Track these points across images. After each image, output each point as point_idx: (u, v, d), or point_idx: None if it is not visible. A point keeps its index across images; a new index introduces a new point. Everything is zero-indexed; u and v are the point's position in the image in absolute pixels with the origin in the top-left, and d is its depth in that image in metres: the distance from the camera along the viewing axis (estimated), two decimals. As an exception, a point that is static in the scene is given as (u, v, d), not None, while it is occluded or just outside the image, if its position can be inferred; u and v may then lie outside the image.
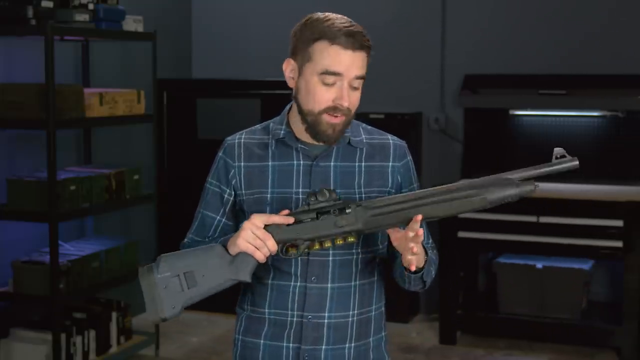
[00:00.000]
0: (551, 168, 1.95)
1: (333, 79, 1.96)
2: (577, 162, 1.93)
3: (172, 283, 1.93)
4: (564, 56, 5.42)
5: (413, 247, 1.90)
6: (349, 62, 1.95)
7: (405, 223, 1.91)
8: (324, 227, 1.92)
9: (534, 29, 5.51)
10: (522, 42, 5.52)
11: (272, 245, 1.92)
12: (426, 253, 2.00)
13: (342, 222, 1.92)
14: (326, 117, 1.98)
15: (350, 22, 1.99)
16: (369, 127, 2.15)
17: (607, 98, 5.18)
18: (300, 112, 2.02)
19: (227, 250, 1.95)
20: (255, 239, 1.91)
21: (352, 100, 1.99)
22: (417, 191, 1.96)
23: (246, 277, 1.94)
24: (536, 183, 1.94)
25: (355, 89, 2.00)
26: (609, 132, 5.28)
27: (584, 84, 5.28)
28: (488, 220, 5.01)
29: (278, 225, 1.92)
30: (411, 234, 1.89)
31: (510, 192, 1.93)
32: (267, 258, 1.95)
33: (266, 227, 1.92)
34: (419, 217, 1.89)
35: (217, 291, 1.96)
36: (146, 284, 1.94)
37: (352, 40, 1.95)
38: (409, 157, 2.13)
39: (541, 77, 5.39)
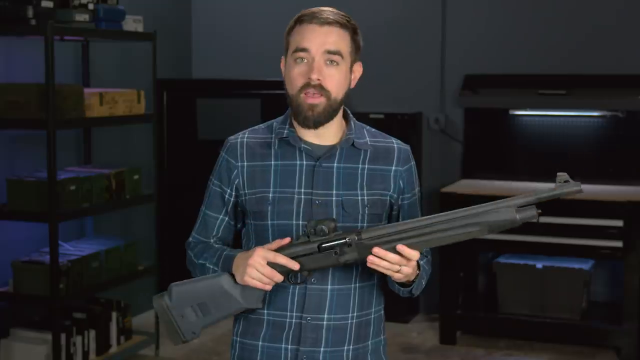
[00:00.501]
0: (553, 193, 1.90)
1: (303, 54, 2.00)
2: (580, 187, 1.88)
3: (187, 312, 2.02)
4: (564, 56, 5.42)
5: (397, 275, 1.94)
6: (315, 37, 1.99)
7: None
8: (326, 260, 1.95)
9: (534, 29, 5.51)
10: (522, 42, 5.52)
11: (278, 280, 1.96)
12: (418, 267, 2.01)
13: (344, 258, 1.95)
14: (303, 97, 2.00)
15: (330, 8, 2.05)
16: (374, 129, 2.15)
17: (607, 98, 5.18)
18: (288, 102, 2.05)
19: (234, 278, 2.00)
20: (261, 277, 1.95)
21: (327, 76, 1.99)
22: (416, 220, 1.94)
23: (258, 305, 2.01)
24: (538, 210, 1.91)
25: (334, 64, 2.00)
26: (609, 132, 5.28)
27: (584, 84, 5.28)
28: (488, 220, 5.00)
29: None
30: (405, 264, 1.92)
31: (510, 219, 1.91)
32: None
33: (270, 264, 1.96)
34: (400, 246, 1.90)
35: (231, 316, 2.06)
36: (161, 311, 2.03)
37: (317, 16, 2.01)
38: (413, 162, 2.13)
39: (541, 77, 5.39)
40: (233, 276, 2.00)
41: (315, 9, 2.04)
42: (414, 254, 1.91)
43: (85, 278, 4.40)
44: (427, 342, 5.20)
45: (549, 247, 4.95)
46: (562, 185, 1.89)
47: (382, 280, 2.13)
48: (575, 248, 4.91)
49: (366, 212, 2.05)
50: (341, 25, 2.01)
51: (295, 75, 2.01)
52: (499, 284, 5.21)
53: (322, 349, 2.04)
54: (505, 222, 1.91)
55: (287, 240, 1.97)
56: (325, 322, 2.04)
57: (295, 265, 1.94)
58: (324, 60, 1.99)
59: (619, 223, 4.79)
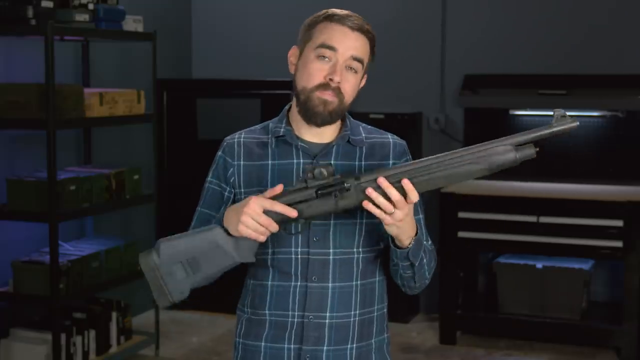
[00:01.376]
0: (551, 130, 1.91)
1: (328, 52, 1.99)
2: (577, 123, 1.90)
3: (177, 269, 1.93)
4: (564, 56, 5.42)
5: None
6: (345, 39, 1.99)
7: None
8: (325, 205, 1.91)
9: (534, 29, 5.51)
10: (522, 42, 5.52)
11: (274, 229, 1.91)
12: (416, 234, 1.98)
13: (344, 203, 1.91)
14: (317, 94, 1.99)
15: (359, 16, 2.05)
16: (369, 126, 2.16)
17: (607, 98, 5.18)
18: (296, 94, 2.04)
19: (226, 231, 1.94)
20: (257, 226, 1.89)
21: (345, 80, 2.00)
22: (415, 162, 1.92)
23: (250, 259, 1.94)
24: (536, 147, 1.91)
25: (352, 71, 2.01)
26: (609, 132, 5.28)
27: (584, 84, 5.28)
28: (488, 220, 5.01)
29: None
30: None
31: (510, 157, 1.91)
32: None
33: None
34: (406, 181, 1.86)
35: (222, 273, 1.96)
36: (148, 269, 1.94)
37: (351, 20, 2.01)
38: (409, 156, 2.13)
39: (541, 77, 5.39)
40: (226, 231, 1.94)
41: (348, 12, 2.03)
42: (415, 195, 1.87)
43: (85, 278, 4.40)
44: (427, 342, 5.20)
45: (549, 247, 4.95)
46: (559, 121, 1.90)
47: (385, 277, 2.12)
48: (575, 248, 4.91)
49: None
50: (367, 35, 2.03)
51: (314, 71, 2.00)
52: (499, 284, 5.21)
53: (325, 347, 2.04)
54: (506, 161, 1.91)
55: (280, 187, 1.93)
56: (327, 321, 2.03)
57: (293, 213, 1.90)
58: (346, 64, 2.00)
59: (619, 223, 4.79)
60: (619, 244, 4.80)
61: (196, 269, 1.93)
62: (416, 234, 1.97)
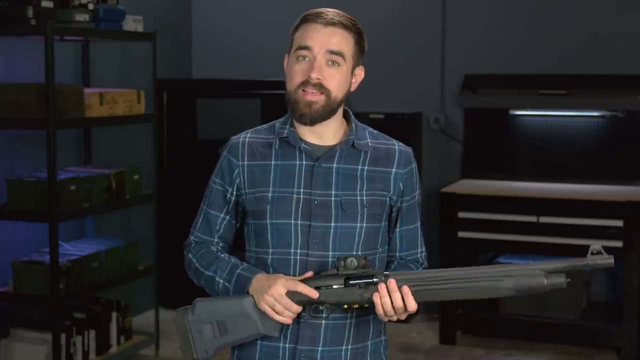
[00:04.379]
0: (585, 263, 1.89)
1: (305, 52, 2.01)
2: (612, 261, 1.87)
3: (205, 329, 2.01)
4: (564, 56, 5.42)
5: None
6: (318, 36, 2.00)
7: (423, 302, 1.95)
8: (351, 295, 1.96)
9: (534, 29, 5.51)
10: (522, 42, 5.52)
11: (295, 311, 1.97)
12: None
13: (368, 295, 1.94)
14: (301, 93, 2.00)
15: (337, 10, 2.05)
16: (376, 131, 2.15)
17: (607, 98, 5.18)
18: (286, 98, 2.05)
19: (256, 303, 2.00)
20: (276, 305, 1.95)
21: (329, 76, 2.00)
22: (446, 270, 1.94)
23: (275, 334, 2.01)
24: (567, 278, 1.88)
25: (335, 65, 2.01)
26: (609, 132, 5.28)
27: (584, 84, 5.28)
28: (488, 220, 5.01)
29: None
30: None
31: (540, 282, 1.88)
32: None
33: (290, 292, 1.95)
34: (406, 289, 1.91)
35: (247, 340, 2.04)
36: (180, 324, 2.03)
37: (322, 16, 2.02)
38: (414, 165, 2.13)
39: (541, 77, 5.39)
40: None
41: (321, 10, 2.04)
42: (413, 306, 1.92)
43: (85, 278, 4.40)
44: (427, 342, 5.20)
45: (549, 247, 4.95)
46: (595, 257, 1.88)
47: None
48: (575, 248, 4.91)
49: (365, 212, 2.05)
50: (345, 27, 2.02)
51: (295, 72, 2.02)
52: (499, 284, 5.20)
53: (320, 347, 2.04)
54: (533, 286, 1.88)
55: (310, 273, 1.99)
56: (323, 321, 2.03)
57: (314, 294, 1.94)
58: (326, 60, 2.00)
59: (619, 223, 4.79)
60: (619, 244, 4.80)
61: (223, 332, 2.01)
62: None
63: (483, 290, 1.90)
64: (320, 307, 1.98)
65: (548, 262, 1.90)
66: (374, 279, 1.94)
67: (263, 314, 1.98)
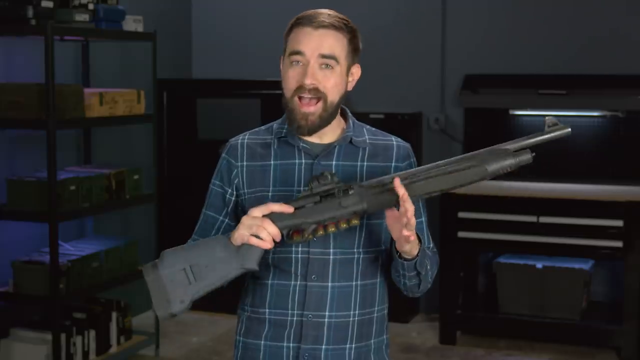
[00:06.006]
0: (545, 137, 1.97)
1: (298, 57, 2.00)
2: (569, 130, 1.97)
3: (179, 276, 1.91)
4: (564, 56, 5.42)
5: (407, 235, 1.89)
6: (310, 40, 1.99)
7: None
8: (328, 209, 1.91)
9: (534, 29, 5.51)
10: (522, 42, 5.52)
11: (273, 230, 1.90)
12: (420, 242, 1.99)
13: (347, 203, 1.91)
14: (297, 103, 1.99)
15: (328, 10, 2.04)
16: (374, 128, 2.16)
17: (607, 98, 5.18)
18: (283, 104, 2.04)
19: (231, 241, 1.94)
20: (252, 227, 1.89)
21: (324, 79, 1.99)
22: (416, 168, 1.96)
23: (253, 265, 1.92)
24: (532, 152, 1.96)
25: (328, 68, 2.00)
26: (609, 132, 5.28)
27: (584, 84, 5.28)
28: (488, 220, 5.01)
29: (281, 213, 1.91)
30: (404, 220, 1.88)
31: (508, 162, 1.95)
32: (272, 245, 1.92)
33: (267, 216, 1.91)
34: (396, 180, 1.88)
35: (225, 282, 1.93)
36: (151, 279, 1.93)
37: (313, 19, 2.00)
38: (413, 159, 2.13)
39: (541, 77, 5.39)
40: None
41: (312, 12, 2.03)
42: (411, 211, 1.87)
43: (85, 278, 4.40)
44: (427, 342, 5.20)
45: (549, 247, 4.95)
46: (552, 129, 1.97)
47: (386, 278, 2.12)
48: (575, 248, 4.91)
49: (365, 207, 2.04)
50: (337, 28, 2.00)
51: (289, 78, 2.01)
52: (499, 284, 5.21)
53: (323, 346, 2.04)
54: (503, 165, 1.95)
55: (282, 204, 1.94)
56: (326, 320, 2.03)
57: (289, 209, 1.90)
58: (319, 64, 1.99)
59: (619, 223, 4.79)
60: (619, 244, 4.80)
61: (198, 276, 1.91)
62: (420, 242, 1.98)
63: (460, 178, 1.92)
64: (301, 233, 1.92)
65: (511, 141, 1.98)
66: (350, 190, 1.91)
67: (239, 249, 1.91)
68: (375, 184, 1.92)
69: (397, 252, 1.98)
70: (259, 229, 1.89)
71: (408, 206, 1.87)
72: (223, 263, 1.91)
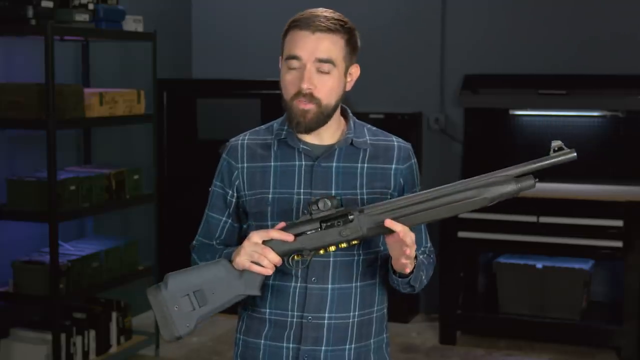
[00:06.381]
0: (549, 161, 1.94)
1: (295, 62, 1.99)
2: (574, 154, 1.94)
3: (183, 302, 1.93)
4: (564, 56, 5.42)
5: (406, 250, 1.90)
6: (306, 45, 1.98)
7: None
8: (329, 236, 1.92)
9: (534, 29, 5.51)
10: (522, 42, 5.52)
11: (273, 258, 1.91)
12: (415, 258, 2.00)
13: (347, 232, 1.92)
14: (295, 104, 1.99)
15: (325, 11, 2.02)
16: (374, 128, 2.15)
17: (607, 98, 5.18)
18: (283, 106, 2.04)
19: (233, 265, 1.95)
20: (253, 254, 1.91)
21: (320, 84, 1.98)
22: (418, 194, 1.95)
23: (255, 291, 1.95)
24: (536, 178, 1.94)
25: (325, 73, 1.99)
26: (609, 132, 5.28)
27: (584, 84, 5.27)
28: (488, 220, 5.01)
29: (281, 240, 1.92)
30: (405, 249, 1.90)
31: (510, 188, 1.93)
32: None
33: (267, 242, 1.92)
34: (387, 221, 1.88)
35: (228, 306, 1.97)
36: (155, 303, 1.95)
37: (310, 22, 1.98)
38: (414, 160, 2.13)
39: (541, 77, 5.39)
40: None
41: (309, 14, 2.01)
42: (410, 236, 1.89)
43: (85, 278, 4.40)
44: (427, 342, 5.20)
45: (549, 247, 4.96)
46: (558, 154, 1.94)
47: (384, 278, 2.12)
48: (575, 248, 4.91)
49: (366, 210, 2.04)
50: (333, 31, 1.99)
51: (287, 83, 2.01)
52: (499, 284, 5.21)
53: (323, 347, 2.04)
54: (505, 192, 1.93)
55: (282, 223, 1.94)
56: (326, 321, 2.03)
57: (289, 237, 1.91)
58: (315, 68, 1.98)
59: (619, 223, 4.79)
60: (619, 244, 4.80)
61: (202, 302, 1.94)
62: (416, 258, 1.99)
63: (462, 205, 1.92)
64: (302, 255, 1.93)
65: (514, 167, 1.94)
66: (350, 216, 1.91)
67: (241, 273, 1.93)
68: (378, 211, 1.92)
69: (393, 268, 2.00)
70: (260, 258, 1.91)
71: (408, 240, 1.89)
72: (226, 289, 1.94)
